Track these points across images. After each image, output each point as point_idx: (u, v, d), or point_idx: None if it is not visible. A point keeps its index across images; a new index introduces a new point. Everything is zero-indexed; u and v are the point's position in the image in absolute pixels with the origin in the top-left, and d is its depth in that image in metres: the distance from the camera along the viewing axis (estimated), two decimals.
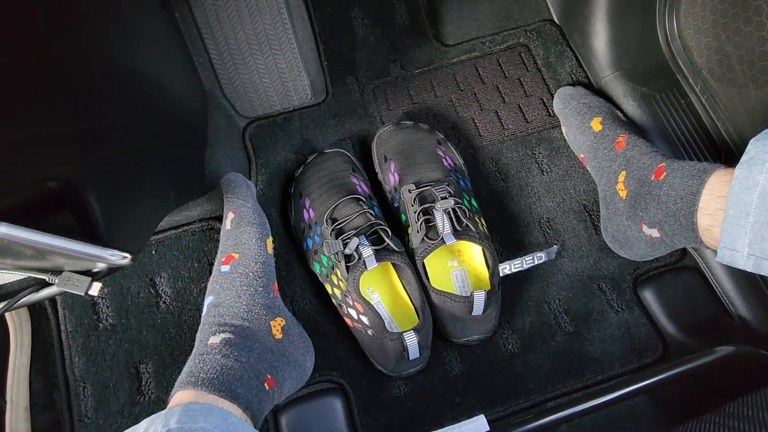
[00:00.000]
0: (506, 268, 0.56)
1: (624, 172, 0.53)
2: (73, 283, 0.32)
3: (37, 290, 0.34)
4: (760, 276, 0.54)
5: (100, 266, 0.33)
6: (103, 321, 0.56)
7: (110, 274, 0.35)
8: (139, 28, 0.43)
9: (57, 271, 0.33)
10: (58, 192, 0.29)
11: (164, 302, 0.57)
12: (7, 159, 0.25)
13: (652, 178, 0.49)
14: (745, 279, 0.54)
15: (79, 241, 0.28)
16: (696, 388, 0.40)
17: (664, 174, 0.47)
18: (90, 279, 0.33)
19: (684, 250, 0.59)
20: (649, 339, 0.55)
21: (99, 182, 0.32)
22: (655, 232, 0.49)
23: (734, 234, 0.39)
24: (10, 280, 0.38)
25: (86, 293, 0.32)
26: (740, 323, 0.53)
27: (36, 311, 0.56)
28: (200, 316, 0.56)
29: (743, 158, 0.39)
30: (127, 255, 0.31)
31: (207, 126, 0.60)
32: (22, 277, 0.37)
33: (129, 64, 0.39)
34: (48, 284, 0.34)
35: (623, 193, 0.53)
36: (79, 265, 0.33)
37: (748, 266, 0.39)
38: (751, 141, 0.39)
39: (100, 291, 0.34)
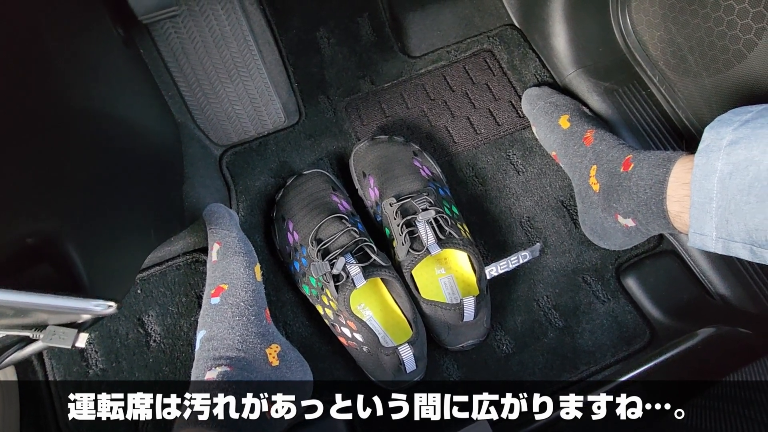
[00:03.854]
0: (493, 270, 0.57)
1: (595, 166, 0.55)
2: (58, 337, 0.32)
3: (21, 348, 0.33)
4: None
5: (85, 316, 0.32)
6: (93, 367, 0.55)
7: (96, 323, 0.35)
8: (104, 70, 0.43)
9: (41, 326, 0.33)
10: (35, 247, 0.29)
11: (154, 341, 0.56)
12: None
13: (621, 170, 0.51)
14: (720, 259, 0.56)
15: (63, 295, 0.28)
16: (684, 372, 0.42)
17: (632, 165, 0.49)
18: (76, 331, 0.32)
19: (661, 236, 0.61)
20: (636, 326, 0.57)
21: (77, 232, 0.32)
22: (630, 222, 0.51)
23: (701, 219, 0.41)
24: None
25: (73, 346, 0.32)
26: (720, 302, 0.56)
27: (21, 364, 0.55)
28: (193, 351, 0.56)
29: (700, 146, 0.41)
30: (113, 303, 0.30)
31: (182, 159, 0.60)
32: (2, 335, 0.36)
33: (97, 109, 0.39)
34: (32, 340, 0.33)
35: (596, 187, 0.55)
36: (64, 318, 0.32)
37: (718, 249, 0.41)
38: (706, 129, 0.41)
39: (87, 340, 0.33)
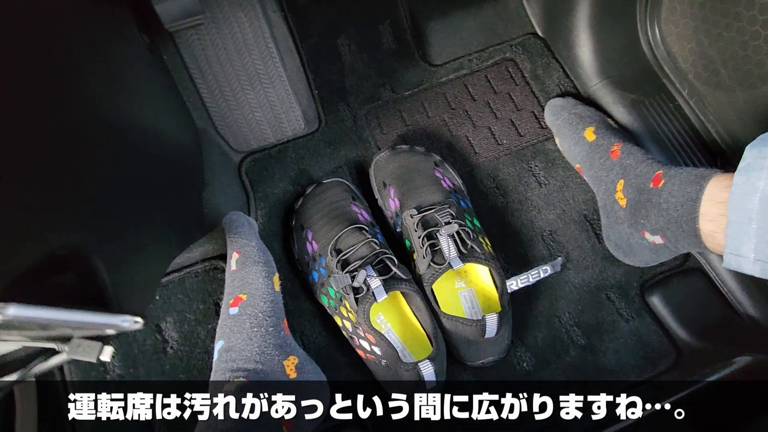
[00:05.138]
0: (513, 284, 0.56)
1: (622, 181, 0.54)
2: (83, 350, 0.32)
3: (46, 359, 0.33)
4: None
5: (110, 331, 0.32)
6: (111, 372, 0.55)
7: (120, 335, 0.34)
8: (130, 78, 0.43)
9: (65, 339, 0.32)
10: (63, 261, 0.29)
11: (171, 347, 0.56)
12: (11, 236, 0.25)
13: (651, 185, 0.49)
14: (749, 278, 0.55)
15: (92, 311, 0.27)
16: (718, 402, 0.40)
17: (663, 181, 0.48)
18: (101, 344, 0.32)
19: (687, 253, 0.60)
20: (661, 346, 0.55)
21: (103, 245, 0.32)
22: (658, 239, 0.50)
23: (739, 240, 0.40)
24: (14, 348, 0.37)
25: (98, 359, 0.32)
26: (749, 322, 0.54)
27: None
28: (209, 359, 0.56)
29: (741, 165, 0.40)
30: (140, 319, 0.30)
31: (203, 165, 0.60)
32: (20, 347, 0.36)
33: (123, 118, 0.39)
34: (56, 352, 0.33)
35: (623, 202, 0.54)
36: (89, 331, 0.32)
37: (756, 272, 0.39)
38: (747, 147, 0.40)
39: (111, 353, 0.33)
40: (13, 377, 0.32)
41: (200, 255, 0.58)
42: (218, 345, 0.48)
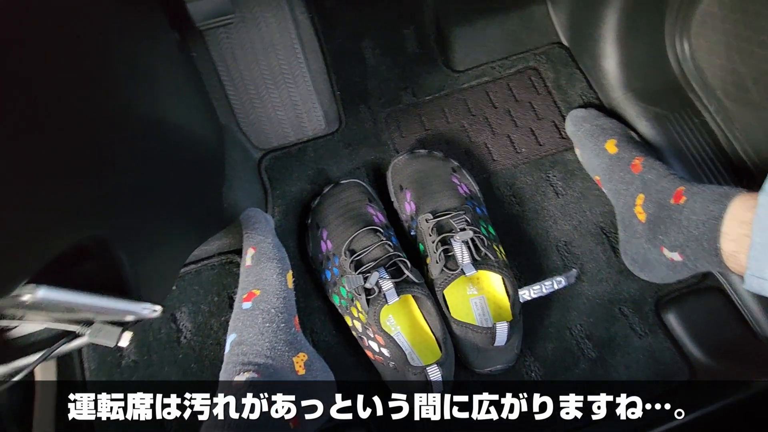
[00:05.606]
0: (526, 294, 0.55)
1: (642, 195, 0.53)
2: (104, 334, 0.33)
3: (68, 341, 0.34)
4: None
5: (130, 317, 0.33)
6: (126, 358, 0.56)
7: (138, 322, 0.35)
8: (161, 75, 0.44)
9: (87, 322, 0.34)
10: (90, 251, 0.30)
11: (185, 337, 0.57)
12: (45, 227, 0.26)
13: (672, 201, 0.49)
14: None
15: (114, 298, 0.29)
16: (735, 423, 0.39)
17: (684, 198, 0.47)
18: (120, 329, 0.33)
19: (706, 271, 0.58)
20: (674, 363, 0.54)
21: (128, 237, 0.33)
22: (676, 256, 0.49)
23: (763, 262, 0.39)
24: (38, 329, 0.38)
25: (116, 344, 0.33)
26: (767, 344, 0.53)
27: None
28: (221, 350, 0.57)
29: (766, 185, 0.39)
30: (158, 308, 0.31)
31: (224, 161, 0.61)
32: (43, 328, 0.37)
33: (150, 114, 0.40)
34: (77, 335, 0.34)
35: (642, 216, 0.53)
36: (110, 317, 0.33)
37: None
38: None
39: (130, 339, 0.34)
40: (35, 357, 0.33)
41: (217, 248, 0.60)
42: (230, 338, 0.49)
